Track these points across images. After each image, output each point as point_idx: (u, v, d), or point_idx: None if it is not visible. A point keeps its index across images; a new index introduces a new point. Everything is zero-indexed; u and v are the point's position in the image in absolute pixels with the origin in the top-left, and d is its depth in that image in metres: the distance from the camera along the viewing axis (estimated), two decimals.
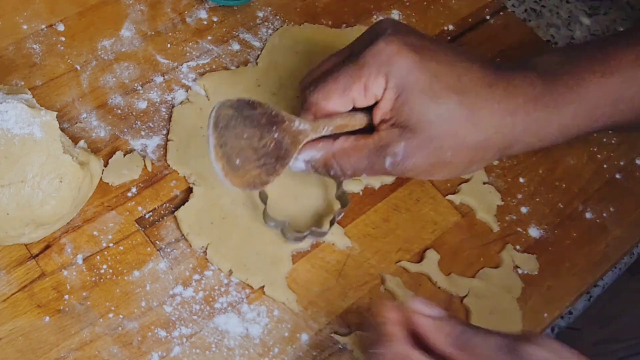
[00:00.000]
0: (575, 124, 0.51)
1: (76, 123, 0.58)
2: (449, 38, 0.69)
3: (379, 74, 0.47)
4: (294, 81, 0.62)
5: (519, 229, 0.59)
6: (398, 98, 0.48)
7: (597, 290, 0.59)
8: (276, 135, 0.46)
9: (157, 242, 0.54)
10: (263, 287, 0.53)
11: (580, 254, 0.59)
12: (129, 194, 0.56)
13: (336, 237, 0.56)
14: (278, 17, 0.67)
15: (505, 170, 0.62)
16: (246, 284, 0.53)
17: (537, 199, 0.61)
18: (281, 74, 0.63)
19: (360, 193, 0.59)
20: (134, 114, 0.60)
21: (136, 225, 0.54)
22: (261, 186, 0.47)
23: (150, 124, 0.59)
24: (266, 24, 0.67)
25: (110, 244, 0.53)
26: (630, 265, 0.61)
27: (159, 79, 0.62)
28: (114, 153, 0.57)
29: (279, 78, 0.63)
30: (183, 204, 0.55)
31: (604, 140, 0.65)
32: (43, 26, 0.63)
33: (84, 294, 0.51)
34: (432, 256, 0.56)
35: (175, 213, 0.55)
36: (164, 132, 0.59)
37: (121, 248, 0.53)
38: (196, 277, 0.53)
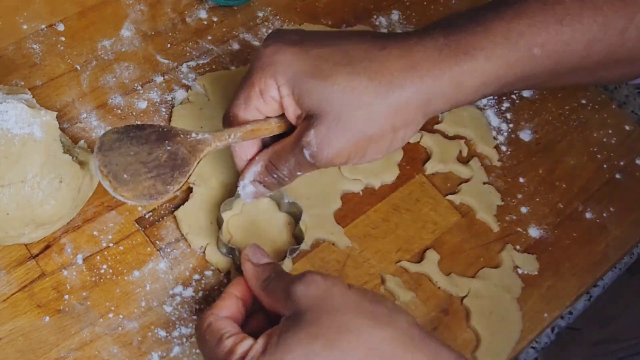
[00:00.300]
0: (493, 70, 0.48)
1: (76, 123, 0.58)
2: None
3: (267, 77, 0.48)
4: None
5: (519, 229, 0.59)
6: (294, 91, 0.48)
7: (597, 290, 0.59)
8: (169, 147, 0.47)
9: (157, 242, 0.54)
10: None
11: (580, 254, 0.59)
12: None
13: (336, 237, 0.56)
14: (278, 17, 0.67)
15: (505, 170, 0.62)
16: None
17: (537, 199, 0.61)
18: None
19: (360, 193, 0.59)
20: (134, 114, 0.59)
21: (136, 225, 0.54)
22: (159, 196, 0.47)
23: None
24: (266, 24, 0.67)
25: (110, 244, 0.53)
26: (630, 265, 0.61)
27: (159, 79, 0.62)
28: None
29: None
30: (183, 204, 0.55)
31: (604, 140, 0.65)
32: (43, 26, 0.63)
33: (84, 294, 0.51)
34: (432, 256, 0.56)
35: (175, 213, 0.55)
36: None
37: (121, 248, 0.53)
38: (196, 277, 0.53)
